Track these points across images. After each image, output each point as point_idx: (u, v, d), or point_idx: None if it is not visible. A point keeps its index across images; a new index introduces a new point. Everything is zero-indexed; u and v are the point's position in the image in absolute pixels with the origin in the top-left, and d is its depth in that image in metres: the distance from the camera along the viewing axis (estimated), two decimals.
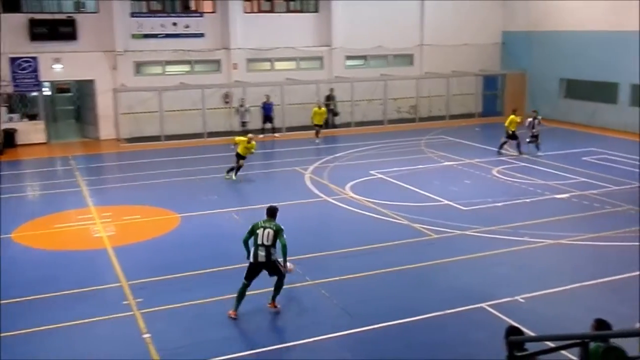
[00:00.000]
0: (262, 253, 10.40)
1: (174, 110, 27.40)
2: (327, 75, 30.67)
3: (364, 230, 15.18)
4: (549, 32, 30.99)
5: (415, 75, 31.98)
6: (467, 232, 14.86)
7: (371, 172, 20.80)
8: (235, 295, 10.56)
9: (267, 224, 10.61)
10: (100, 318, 10.58)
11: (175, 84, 27.74)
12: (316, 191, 18.58)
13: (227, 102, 28.87)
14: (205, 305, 11.05)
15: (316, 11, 30.70)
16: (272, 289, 10.74)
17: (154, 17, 27.99)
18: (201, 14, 28.77)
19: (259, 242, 10.43)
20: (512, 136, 23.13)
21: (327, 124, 29.34)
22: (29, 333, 10.13)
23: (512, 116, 23.17)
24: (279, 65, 30.33)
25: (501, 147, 23.30)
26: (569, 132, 22.55)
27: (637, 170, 20.32)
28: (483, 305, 10.92)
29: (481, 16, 33.02)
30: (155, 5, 28.60)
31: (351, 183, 19.34)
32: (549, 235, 14.43)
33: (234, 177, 19.85)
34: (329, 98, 30.08)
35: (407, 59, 32.59)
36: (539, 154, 22.72)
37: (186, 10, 29.04)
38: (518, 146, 23.05)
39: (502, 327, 7.01)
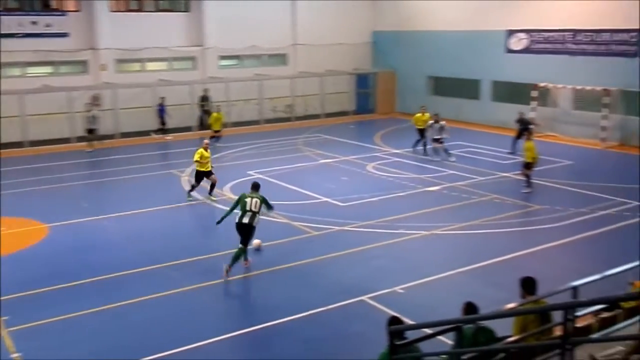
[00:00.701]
0: (247, 217, 12.40)
1: (38, 115, 25.79)
2: (200, 75, 30.17)
3: None
4: (416, 31, 32.29)
5: (289, 74, 32.20)
6: (346, 228, 15.15)
7: (249, 172, 20.68)
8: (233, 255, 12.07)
9: (253, 195, 12.71)
10: None
11: (38, 87, 26.15)
12: (194, 193, 18.18)
13: (97, 105, 27.59)
14: (77, 318, 10.50)
15: (187, 11, 30.11)
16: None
17: (11, 15, 26.21)
18: (64, 13, 27.32)
19: (247, 208, 12.48)
20: (421, 134, 23.36)
21: (202, 125, 28.89)
22: None
23: (417, 114, 23.68)
24: (150, 66, 29.46)
25: (416, 145, 23.45)
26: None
27: (500, 161, 21.64)
28: (364, 298, 11.16)
29: (352, 16, 33.82)
30: (11, 4, 26.79)
31: (230, 184, 19.13)
32: (424, 227, 15.02)
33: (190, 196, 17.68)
34: (204, 99, 29.59)
35: (281, 58, 32.75)
36: (451, 159, 21.96)
37: (46, 8, 27.43)
38: (416, 144, 23.36)
39: (383, 318, 7.18)
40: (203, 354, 9.46)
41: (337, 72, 32.99)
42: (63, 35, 27.06)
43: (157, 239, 14.57)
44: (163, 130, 27.52)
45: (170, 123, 28.07)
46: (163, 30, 29.16)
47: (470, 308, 7.27)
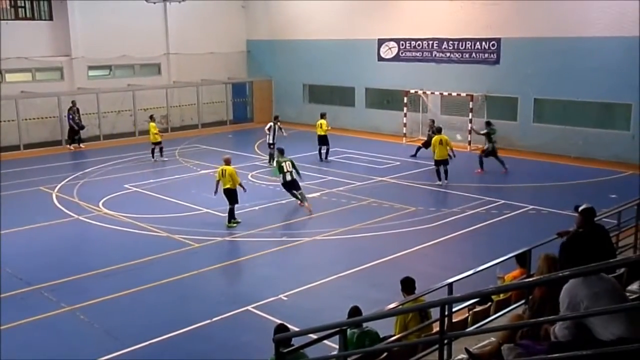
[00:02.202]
0: (289, 175, 17.02)
1: None
2: (68, 86, 28.78)
3: (122, 247, 14.51)
4: (290, 40, 32.64)
5: (163, 84, 31.48)
6: (228, 238, 15.01)
7: (125, 185, 19.99)
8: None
9: (285, 159, 17.35)
10: None
11: None
12: (66, 210, 17.31)
13: None
14: None
15: (50, 19, 28.63)
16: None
17: None
18: None
19: (285, 170, 16.99)
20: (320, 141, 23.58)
21: (72, 140, 27.57)
22: None
23: (321, 121, 23.70)
24: (10, 77, 27.65)
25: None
26: (314, 134, 23.94)
27: (375, 166, 22.32)
28: (249, 307, 11.10)
29: (225, 25, 33.62)
30: None
31: (104, 199, 18.37)
32: (305, 233, 15.19)
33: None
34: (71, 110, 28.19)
35: (154, 68, 31.95)
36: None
37: None
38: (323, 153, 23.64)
39: (269, 326, 7.18)
40: None
41: (212, 81, 32.65)
42: None
43: (27, 259, 13.69)
44: (77, 139, 26.91)
45: (38, 137, 26.59)
46: (24, 39, 27.51)
47: (355, 312, 7.45)
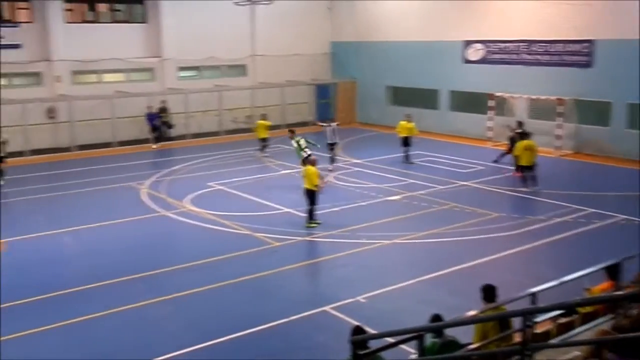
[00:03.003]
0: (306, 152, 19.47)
1: None
2: (159, 87, 29.88)
3: (206, 243, 14.93)
4: (375, 42, 32.61)
5: (249, 85, 32.14)
6: (308, 238, 15.15)
7: (210, 183, 20.54)
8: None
9: (298, 138, 20.46)
10: None
11: None
12: (154, 206, 17.98)
13: (51, 117, 27.11)
14: (37, 335, 10.26)
15: (144, 22, 29.82)
16: None
17: None
18: (16, 24, 26.76)
19: (304, 147, 20.30)
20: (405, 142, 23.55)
21: (160, 137, 28.69)
22: None
23: (402, 122, 23.76)
24: (107, 77, 29.05)
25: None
26: (396, 136, 23.82)
27: (459, 170, 21.93)
28: (326, 308, 11.15)
29: (310, 27, 33.97)
30: None
31: (190, 196, 18.95)
32: (385, 236, 15.11)
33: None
34: (162, 110, 29.30)
35: (240, 69, 32.68)
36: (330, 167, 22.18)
37: None
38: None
39: (345, 328, 7.19)
40: None
41: (296, 82, 33.05)
42: (15, 46, 26.47)
43: (118, 252, 14.33)
44: (158, 138, 27.64)
45: (129, 135, 27.75)
46: (120, 41, 28.81)
47: (436, 320, 7.32)
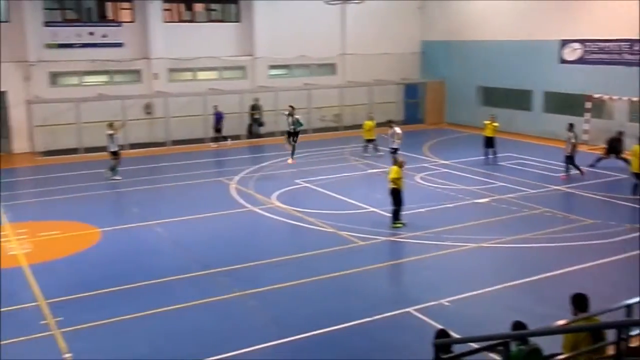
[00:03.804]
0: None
1: (93, 122, 26.52)
2: (250, 84, 30.55)
3: (292, 240, 15.17)
4: (466, 41, 32.01)
5: (338, 84, 32.31)
6: (392, 238, 15.07)
7: (297, 181, 20.81)
8: None
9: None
10: (18, 339, 10.08)
11: (94, 95, 26.93)
12: (242, 201, 18.41)
13: (148, 113, 28.28)
14: (126, 321, 10.73)
15: (238, 21, 30.55)
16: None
17: (70, 26, 27.11)
18: (119, 24, 28.09)
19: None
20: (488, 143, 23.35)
21: (251, 133, 29.38)
22: None
23: (486, 122, 23.45)
24: (201, 75, 29.99)
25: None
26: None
27: (551, 174, 21.19)
28: (410, 309, 11.07)
29: (400, 26, 33.74)
30: (70, 15, 27.72)
31: (277, 192, 19.28)
32: (471, 239, 14.82)
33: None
34: (254, 108, 29.96)
35: (329, 68, 32.90)
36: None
37: (103, 19, 28.27)
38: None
39: (429, 330, 7.12)
40: None
41: (385, 81, 32.93)
42: (118, 45, 27.82)
43: (206, 245, 14.78)
44: (221, 137, 27.92)
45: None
46: (214, 40, 29.67)
47: (518, 327, 7.11)
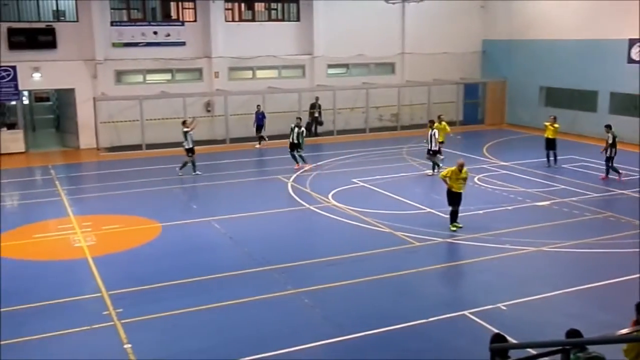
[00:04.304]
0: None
1: (155, 119, 27.24)
2: (309, 83, 30.70)
3: (347, 239, 15.16)
4: (529, 40, 31.31)
5: (396, 83, 32.13)
6: (449, 240, 14.90)
7: (353, 180, 20.80)
8: None
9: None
10: (81, 329, 10.44)
11: (156, 93, 27.60)
12: (298, 199, 18.54)
13: (208, 111, 28.79)
14: (185, 315, 10.96)
15: (298, 20, 30.74)
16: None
17: (135, 25, 27.86)
18: (182, 23, 28.69)
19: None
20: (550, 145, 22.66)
21: (310, 132, 29.51)
22: (7, 345, 9.95)
23: (547, 123, 22.82)
24: (260, 73, 30.32)
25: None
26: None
27: (615, 177, 20.50)
28: (465, 312, 10.92)
29: (462, 25, 33.26)
30: (135, 14, 28.47)
31: (334, 191, 19.32)
32: (531, 243, 14.50)
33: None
34: (314, 106, 30.10)
35: (388, 67, 32.74)
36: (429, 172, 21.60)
37: (167, 19, 28.94)
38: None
39: (484, 334, 7.01)
40: (299, 359, 9.59)
41: (444, 81, 32.55)
42: (181, 44, 28.41)
43: (262, 242, 14.94)
44: (261, 137, 27.94)
45: (277, 130, 28.76)
46: (274, 39, 29.94)
47: (574, 336, 6.90)
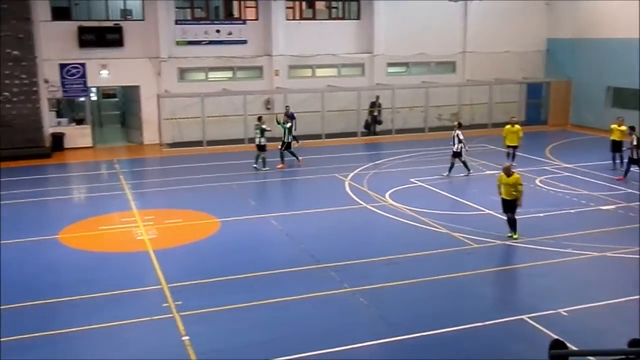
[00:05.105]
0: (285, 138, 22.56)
1: (216, 116, 27.73)
2: (368, 82, 30.64)
3: (403, 238, 15.09)
4: (595, 39, 30.37)
5: (457, 82, 31.71)
6: (508, 243, 14.63)
7: (411, 179, 20.67)
8: None
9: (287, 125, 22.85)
10: (141, 320, 10.76)
11: (218, 90, 28.09)
12: (355, 198, 18.56)
13: (268, 109, 29.10)
14: (241, 309, 11.14)
15: (358, 18, 30.71)
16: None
17: (198, 24, 28.42)
18: (244, 21, 29.07)
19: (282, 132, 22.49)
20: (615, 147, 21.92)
21: (369, 131, 29.51)
22: (71, 333, 10.36)
23: (613, 125, 22.18)
24: (320, 72, 30.45)
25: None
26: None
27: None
28: (524, 317, 10.72)
29: (525, 23, 32.55)
30: (199, 13, 29.05)
31: (391, 190, 19.25)
32: (594, 247, 14.10)
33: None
34: (374, 105, 30.04)
35: (449, 66, 32.34)
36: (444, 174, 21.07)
37: (229, 17, 29.39)
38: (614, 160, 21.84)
39: (543, 339, 6.89)
40: (354, 356, 9.62)
41: (506, 80, 31.94)
42: (242, 42, 28.80)
43: (319, 239, 15.03)
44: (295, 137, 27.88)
45: (337, 128, 28.83)
46: (334, 37, 30.00)
47: (638, 345, 6.67)
